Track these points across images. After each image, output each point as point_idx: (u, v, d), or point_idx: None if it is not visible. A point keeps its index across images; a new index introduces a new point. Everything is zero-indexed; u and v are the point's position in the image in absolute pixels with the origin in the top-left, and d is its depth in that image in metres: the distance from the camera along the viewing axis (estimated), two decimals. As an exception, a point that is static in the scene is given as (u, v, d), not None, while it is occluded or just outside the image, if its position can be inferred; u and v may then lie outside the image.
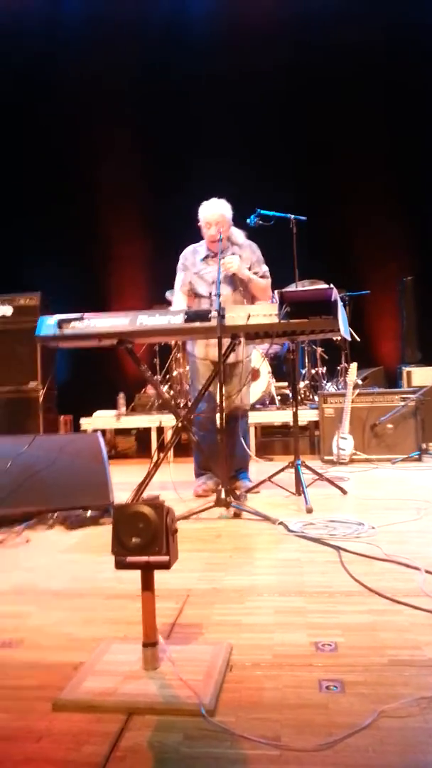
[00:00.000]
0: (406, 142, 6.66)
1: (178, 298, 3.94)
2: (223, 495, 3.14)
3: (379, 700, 1.38)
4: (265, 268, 3.87)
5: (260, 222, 4.27)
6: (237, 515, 3.17)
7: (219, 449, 3.27)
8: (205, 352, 3.85)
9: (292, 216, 4.62)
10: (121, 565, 1.51)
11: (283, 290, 3.32)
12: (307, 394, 5.89)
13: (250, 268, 3.81)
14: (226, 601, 2.02)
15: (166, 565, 1.48)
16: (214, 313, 3.13)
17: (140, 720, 1.36)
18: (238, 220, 3.96)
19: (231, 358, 3.58)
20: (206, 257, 3.88)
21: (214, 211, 3.77)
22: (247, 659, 1.61)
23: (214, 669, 1.52)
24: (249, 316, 3.15)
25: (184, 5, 7.02)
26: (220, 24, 6.85)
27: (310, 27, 6.71)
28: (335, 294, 3.13)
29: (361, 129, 6.73)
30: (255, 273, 3.82)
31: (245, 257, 3.81)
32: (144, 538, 1.46)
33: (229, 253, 3.78)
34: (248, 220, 4.27)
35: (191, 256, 3.95)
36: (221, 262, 3.53)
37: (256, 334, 3.34)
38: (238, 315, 3.17)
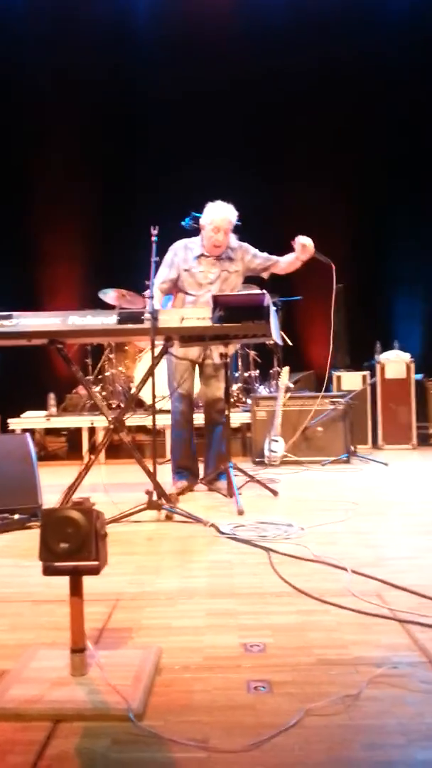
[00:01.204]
0: (348, 152, 6.83)
1: (155, 293, 3.88)
2: (154, 497, 3.13)
3: (306, 699, 1.41)
4: (267, 255, 3.91)
5: (194, 224, 4.27)
6: (169, 518, 3.17)
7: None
8: (184, 351, 3.83)
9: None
10: (48, 571, 1.47)
11: (217, 294, 3.35)
12: (240, 397, 5.94)
13: (251, 267, 3.90)
14: (157, 605, 2.02)
15: (95, 571, 1.46)
16: (147, 315, 3.12)
17: (68, 727, 1.33)
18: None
19: (213, 359, 3.60)
20: (200, 256, 3.82)
21: (224, 217, 3.73)
22: (177, 662, 1.61)
23: (143, 673, 1.51)
24: (182, 319, 3.15)
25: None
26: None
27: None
28: (267, 299, 3.18)
29: (304, 135, 6.87)
30: (267, 259, 3.89)
31: (239, 260, 3.85)
32: (73, 543, 1.44)
33: (225, 259, 3.80)
34: (183, 223, 4.26)
35: (182, 251, 3.87)
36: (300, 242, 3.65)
37: (190, 337, 3.34)
38: (171, 318, 3.16)
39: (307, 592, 2.04)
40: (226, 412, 3.77)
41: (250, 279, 5.40)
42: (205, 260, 3.80)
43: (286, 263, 3.84)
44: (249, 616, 1.89)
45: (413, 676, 1.49)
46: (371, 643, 1.67)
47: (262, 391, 5.93)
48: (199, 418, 4.09)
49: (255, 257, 3.89)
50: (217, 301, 3.18)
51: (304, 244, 3.68)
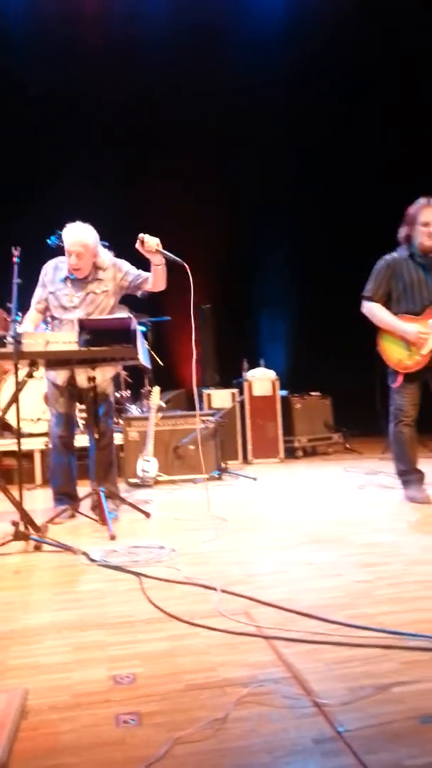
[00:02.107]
0: (217, 175, 7.02)
1: (30, 314, 3.76)
2: (21, 527, 3.02)
3: (175, 728, 1.41)
4: (139, 271, 3.79)
5: (60, 243, 4.20)
6: (38, 548, 3.06)
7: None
8: (55, 374, 3.70)
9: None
10: None
11: (82, 318, 3.31)
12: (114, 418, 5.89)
13: (123, 286, 3.79)
14: (24, 643, 1.94)
15: None
16: (9, 339, 3.02)
17: None
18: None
19: (91, 382, 3.49)
20: (66, 279, 3.71)
21: (75, 240, 3.61)
22: (45, 702, 1.56)
23: (6, 719, 1.45)
24: (47, 343, 3.09)
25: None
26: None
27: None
28: (134, 323, 3.19)
29: (171, 154, 6.98)
30: (138, 276, 3.76)
31: (110, 279, 3.75)
32: None
33: (92, 280, 3.70)
34: (48, 241, 4.17)
35: (52, 272, 3.76)
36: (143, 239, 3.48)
37: (57, 361, 3.28)
38: (35, 341, 3.09)
39: (177, 616, 2.06)
40: (96, 435, 3.73)
41: (123, 300, 5.40)
42: (71, 282, 3.73)
43: (151, 275, 3.74)
44: (119, 646, 1.87)
45: (278, 692, 1.55)
46: (239, 663, 1.72)
47: (134, 411, 5.92)
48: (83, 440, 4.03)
49: (127, 275, 3.79)
50: (83, 325, 3.15)
51: (141, 239, 3.52)
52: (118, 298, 3.89)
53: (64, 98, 6.65)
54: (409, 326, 3.70)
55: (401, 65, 6.94)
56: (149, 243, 3.53)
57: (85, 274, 3.71)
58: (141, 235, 3.54)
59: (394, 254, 3.84)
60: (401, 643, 1.78)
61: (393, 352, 3.77)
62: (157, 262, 3.61)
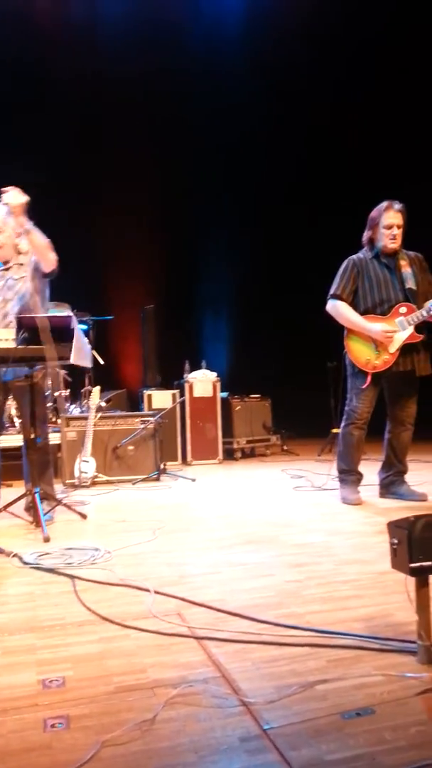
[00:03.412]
0: (158, 178, 7.00)
1: None
2: None
3: (104, 730, 1.42)
4: None
5: None
6: (-32, 550, 3.00)
7: None
8: None
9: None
10: None
11: (21, 315, 3.26)
12: (50, 417, 5.80)
13: (35, 264, 3.59)
14: None
15: None
16: None
17: None
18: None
19: (26, 380, 3.38)
20: None
21: None
22: (-30, 709, 1.53)
23: None
24: (-18, 341, 3.03)
25: None
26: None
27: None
28: (74, 322, 3.17)
29: (113, 155, 6.93)
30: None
31: (28, 262, 3.61)
32: None
33: (14, 264, 3.55)
34: None
35: None
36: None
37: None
38: (-30, 339, 3.02)
39: (109, 618, 2.06)
40: (32, 435, 3.67)
41: (61, 298, 5.33)
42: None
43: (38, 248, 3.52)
44: (49, 649, 1.85)
45: (206, 692, 1.57)
46: (169, 664, 1.73)
47: (74, 410, 5.85)
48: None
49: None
50: (22, 323, 3.10)
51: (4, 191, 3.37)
52: (41, 281, 3.73)
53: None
54: (375, 325, 3.73)
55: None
56: (11, 201, 3.36)
57: (6, 258, 3.60)
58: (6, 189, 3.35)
59: (360, 254, 3.90)
60: (328, 642, 1.83)
61: (361, 353, 3.80)
62: (22, 227, 3.45)
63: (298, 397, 6.67)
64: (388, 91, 6.75)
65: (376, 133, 6.90)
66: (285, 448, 6.78)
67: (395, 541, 1.67)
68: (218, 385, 6.27)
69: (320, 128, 7.22)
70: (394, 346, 3.70)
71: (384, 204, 3.80)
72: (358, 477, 3.97)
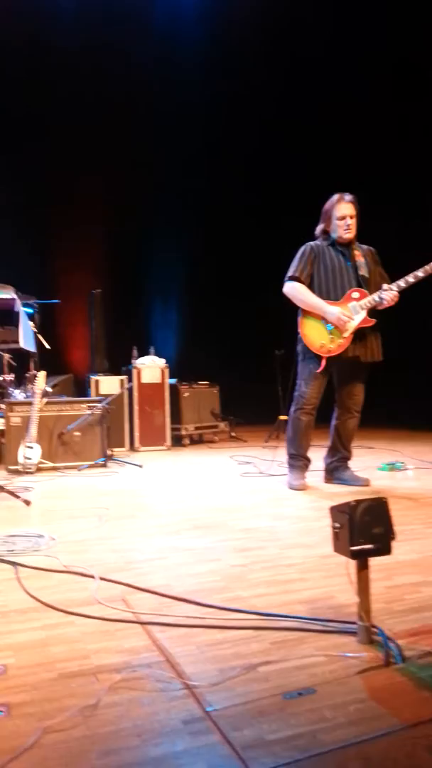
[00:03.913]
0: (106, 169, 6.89)
1: None
2: None
3: (46, 717, 1.40)
4: None
5: None
6: None
7: None
8: None
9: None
10: None
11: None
12: (-6, 401, 5.68)
13: None
14: None
15: None
16: None
17: None
18: None
19: None
20: None
21: None
22: None
23: None
24: None
25: None
26: None
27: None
28: (18, 305, 3.09)
29: (66, 136, 6.78)
30: None
31: None
32: None
33: None
34: None
35: None
36: None
37: None
38: None
39: (52, 605, 2.03)
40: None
41: (4, 280, 5.20)
42: None
43: None
44: (-10, 637, 1.82)
45: (150, 676, 1.57)
46: (113, 650, 1.72)
47: (18, 395, 5.74)
48: None
49: None
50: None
51: None
52: None
53: None
54: (331, 308, 3.77)
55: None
56: None
57: None
58: None
59: (317, 242, 3.95)
60: (272, 624, 1.85)
61: (315, 337, 3.83)
62: None
63: (246, 384, 6.72)
64: (337, 86, 6.81)
65: (326, 129, 6.95)
66: (233, 434, 6.82)
67: (337, 525, 1.70)
68: (166, 371, 6.25)
69: (270, 122, 7.23)
70: (349, 330, 3.75)
71: (335, 196, 3.86)
72: (306, 462, 4.03)
